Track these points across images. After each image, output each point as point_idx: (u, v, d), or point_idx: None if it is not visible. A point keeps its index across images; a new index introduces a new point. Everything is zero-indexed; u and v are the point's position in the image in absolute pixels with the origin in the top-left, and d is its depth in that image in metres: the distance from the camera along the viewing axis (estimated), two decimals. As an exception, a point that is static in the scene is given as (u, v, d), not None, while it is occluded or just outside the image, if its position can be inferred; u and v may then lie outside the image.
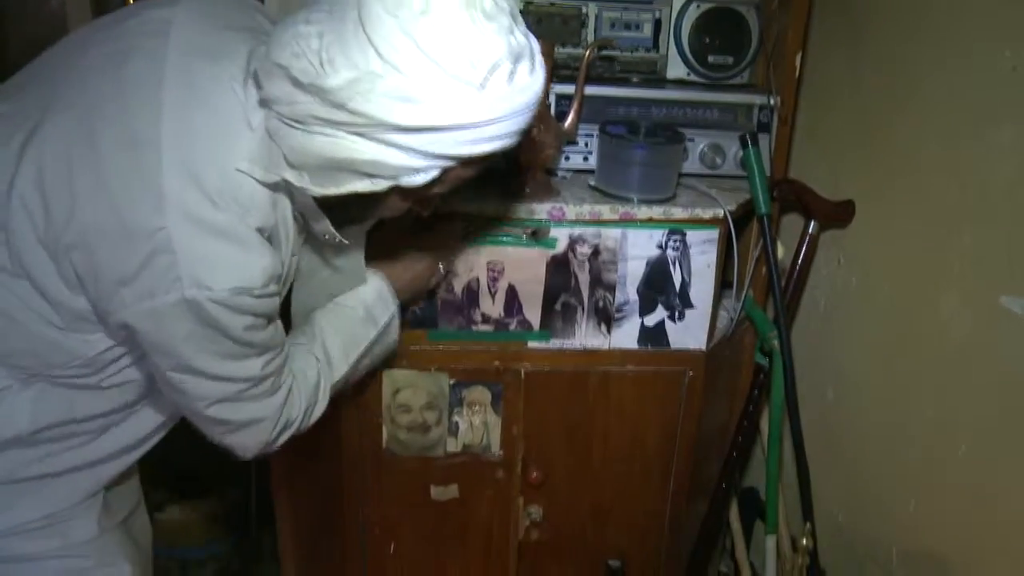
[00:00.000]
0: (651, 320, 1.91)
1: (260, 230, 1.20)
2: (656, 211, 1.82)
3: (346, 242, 1.35)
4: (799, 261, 2.08)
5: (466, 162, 1.16)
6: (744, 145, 1.91)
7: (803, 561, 1.36)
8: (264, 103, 1.16)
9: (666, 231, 1.84)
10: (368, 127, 1.09)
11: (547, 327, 1.88)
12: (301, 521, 2.39)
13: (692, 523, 2.27)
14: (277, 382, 1.33)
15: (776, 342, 1.98)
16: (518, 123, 1.14)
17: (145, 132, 1.13)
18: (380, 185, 1.16)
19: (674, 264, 1.87)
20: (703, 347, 1.95)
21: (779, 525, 2.23)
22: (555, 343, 1.90)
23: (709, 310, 1.92)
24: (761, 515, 2.37)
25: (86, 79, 1.19)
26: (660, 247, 1.85)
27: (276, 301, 1.27)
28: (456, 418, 1.94)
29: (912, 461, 1.84)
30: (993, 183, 1.59)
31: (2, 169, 1.17)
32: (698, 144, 1.98)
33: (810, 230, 2.05)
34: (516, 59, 1.10)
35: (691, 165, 1.99)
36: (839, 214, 2.05)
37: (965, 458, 1.68)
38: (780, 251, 2.04)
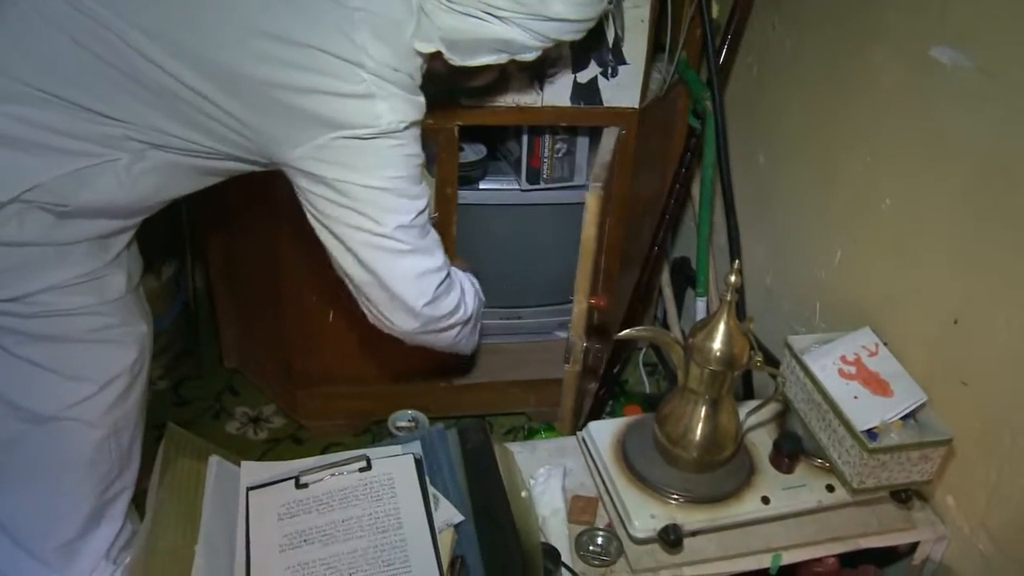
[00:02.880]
0: (584, 76, 1.89)
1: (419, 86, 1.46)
2: (589, -37, 1.77)
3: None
4: (733, 22, 2.05)
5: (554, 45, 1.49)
6: None
7: (732, 298, 1.39)
8: None
9: (600, -16, 1.79)
10: (518, 15, 1.39)
11: (479, 83, 1.84)
12: (239, 294, 2.41)
13: (625, 291, 2.32)
14: (427, 214, 1.53)
15: (709, 103, 1.98)
16: (593, 23, 1.51)
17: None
18: (503, 59, 1.49)
19: (607, 18, 1.83)
20: (636, 104, 1.95)
21: (709, 288, 2.29)
22: (487, 99, 1.88)
23: (643, 67, 1.90)
24: (692, 282, 2.43)
25: None
26: (593, 0, 1.80)
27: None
28: (390, 181, 1.92)
29: (839, 216, 1.88)
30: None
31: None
32: None
33: (745, -11, 2.02)
34: None
35: (625, -81, 1.92)
36: (775, -27, 2.01)
37: (889, 210, 1.72)
38: (715, 11, 2.02)
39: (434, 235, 1.56)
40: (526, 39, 1.44)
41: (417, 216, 1.48)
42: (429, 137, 1.87)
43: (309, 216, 1.49)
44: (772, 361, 1.94)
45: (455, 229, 2.03)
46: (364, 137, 1.37)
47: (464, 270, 1.78)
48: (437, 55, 1.44)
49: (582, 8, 1.45)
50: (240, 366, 2.58)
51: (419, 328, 1.60)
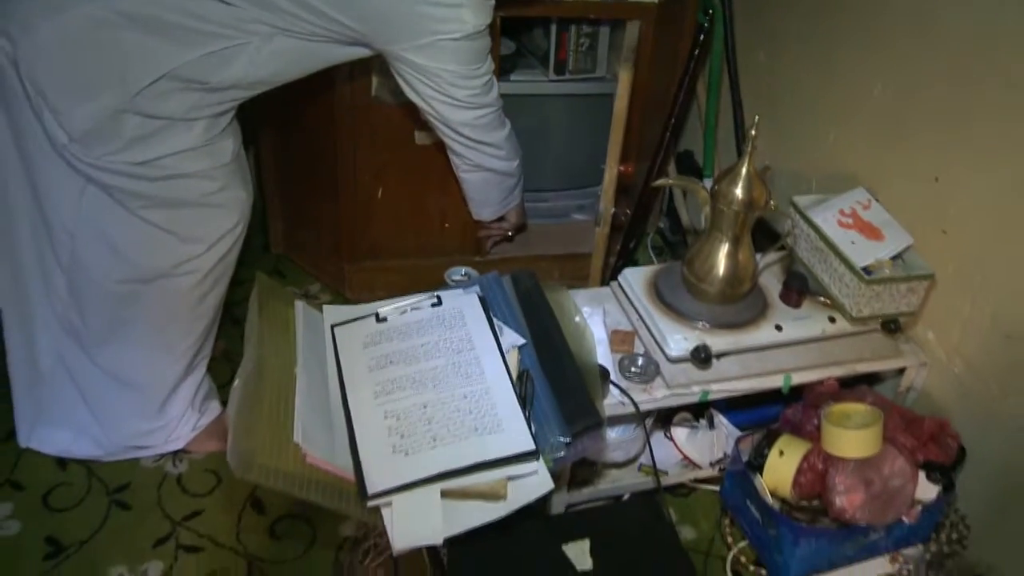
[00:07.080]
0: (609, -28, 2.09)
1: None
2: None
3: None
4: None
5: None
6: None
7: (751, 148, 1.61)
8: None
9: None
10: None
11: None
12: (290, 183, 2.60)
13: (639, 178, 2.53)
14: (491, 81, 1.85)
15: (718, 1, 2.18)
16: None
17: None
18: None
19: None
20: (655, -1, 2.15)
21: (715, 171, 2.51)
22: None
23: (662, -35, 2.10)
24: (697, 172, 2.66)
25: None
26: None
27: None
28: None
29: (833, 102, 2.12)
30: None
31: None
32: None
33: None
34: None
35: None
36: None
37: (880, 94, 1.95)
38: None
39: (494, 92, 1.87)
40: None
41: (483, 86, 1.80)
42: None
43: (400, 83, 1.78)
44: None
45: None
46: (456, 38, 1.68)
47: None
48: None
49: None
50: (286, 251, 2.77)
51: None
